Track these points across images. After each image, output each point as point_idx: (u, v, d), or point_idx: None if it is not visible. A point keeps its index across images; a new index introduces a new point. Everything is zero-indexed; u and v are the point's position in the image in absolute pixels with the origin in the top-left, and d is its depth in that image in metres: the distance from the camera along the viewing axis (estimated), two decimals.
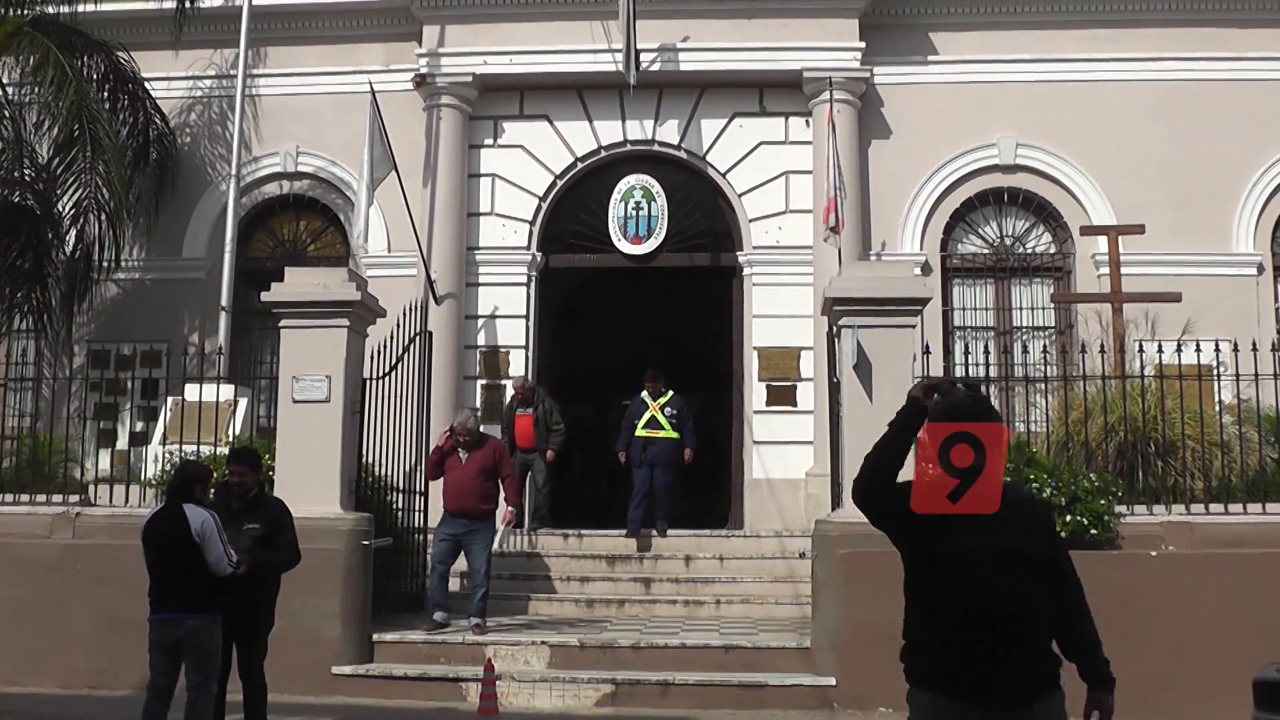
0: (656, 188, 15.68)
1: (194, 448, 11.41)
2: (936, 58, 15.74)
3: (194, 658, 7.47)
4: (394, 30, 16.17)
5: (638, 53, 14.65)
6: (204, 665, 7.49)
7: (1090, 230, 14.38)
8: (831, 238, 13.99)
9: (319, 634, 10.37)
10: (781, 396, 15.18)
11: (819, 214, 14.53)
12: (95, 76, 15.32)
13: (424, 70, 15.57)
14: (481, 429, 12.44)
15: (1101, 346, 11.62)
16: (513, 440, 14.24)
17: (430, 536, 12.95)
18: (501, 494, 11.98)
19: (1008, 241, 15.83)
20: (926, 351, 10.93)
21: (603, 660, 10.52)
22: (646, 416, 14.29)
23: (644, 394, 14.45)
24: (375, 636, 10.82)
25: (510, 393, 14.99)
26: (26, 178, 15.39)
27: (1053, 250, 15.79)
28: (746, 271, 15.53)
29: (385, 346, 11.91)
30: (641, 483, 14.13)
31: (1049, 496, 10.28)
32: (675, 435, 14.20)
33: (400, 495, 12.62)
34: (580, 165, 15.91)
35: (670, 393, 14.40)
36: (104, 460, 14.44)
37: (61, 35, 14.79)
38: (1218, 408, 11.73)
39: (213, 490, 8.06)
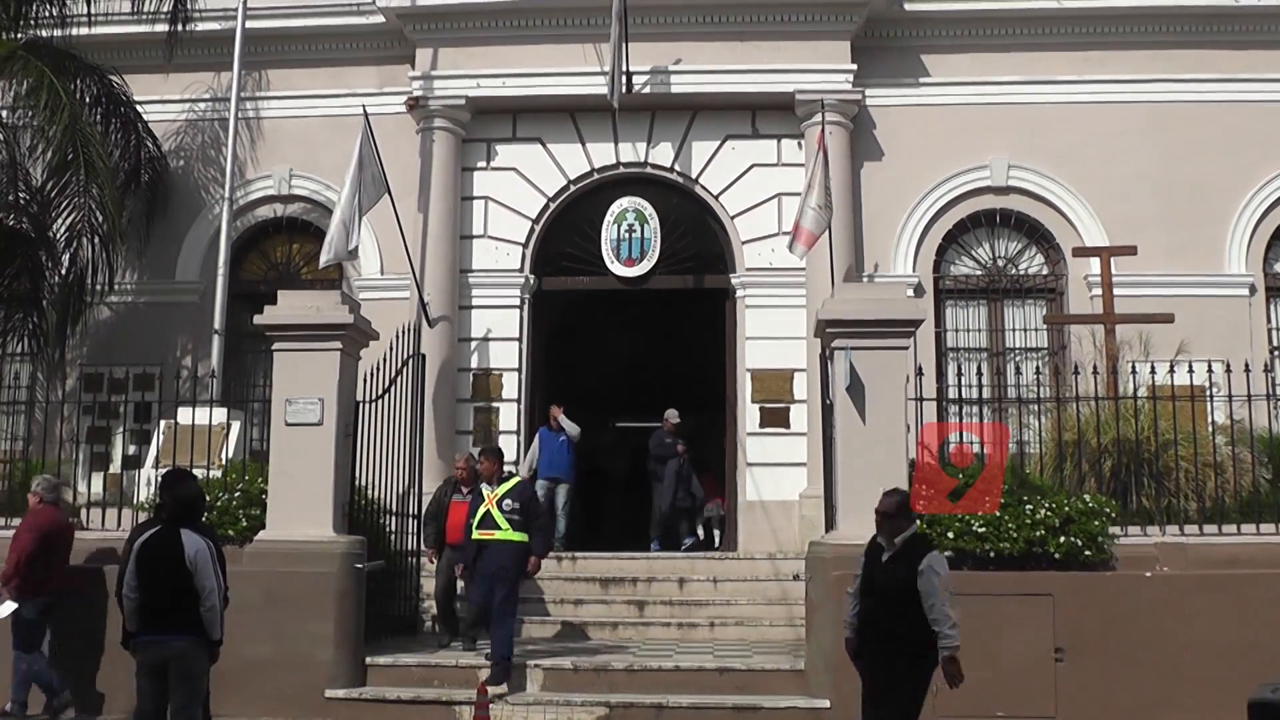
0: (649, 210, 15.70)
1: None
2: (928, 80, 15.81)
3: (179, 680, 7.37)
4: (387, 53, 16.21)
5: (629, 74, 14.69)
6: (188, 689, 7.41)
7: (1083, 251, 14.41)
8: (798, 249, 13.99)
9: (312, 657, 10.33)
10: (775, 418, 15.16)
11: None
12: (88, 100, 15.33)
13: (417, 93, 15.60)
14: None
15: (1094, 368, 11.64)
16: (441, 531, 12.00)
17: (422, 559, 12.93)
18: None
19: (1000, 263, 15.85)
20: (920, 373, 10.94)
21: (596, 683, 10.47)
22: (480, 513, 10.79)
23: (482, 484, 11.10)
24: (368, 659, 10.75)
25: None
26: (21, 201, 15.40)
27: (1045, 271, 15.81)
28: (739, 294, 15.53)
29: (378, 369, 11.90)
30: (479, 604, 10.88)
31: (1043, 518, 10.27)
32: (519, 538, 10.67)
33: (393, 518, 12.61)
34: (573, 188, 15.92)
35: (515, 479, 11.17)
36: (97, 484, 14.38)
37: (55, 59, 14.78)
38: (1211, 428, 11.74)
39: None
